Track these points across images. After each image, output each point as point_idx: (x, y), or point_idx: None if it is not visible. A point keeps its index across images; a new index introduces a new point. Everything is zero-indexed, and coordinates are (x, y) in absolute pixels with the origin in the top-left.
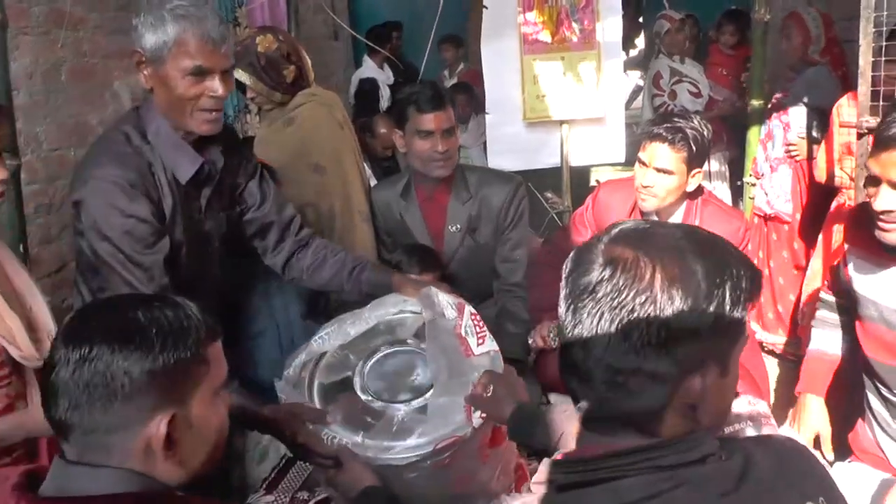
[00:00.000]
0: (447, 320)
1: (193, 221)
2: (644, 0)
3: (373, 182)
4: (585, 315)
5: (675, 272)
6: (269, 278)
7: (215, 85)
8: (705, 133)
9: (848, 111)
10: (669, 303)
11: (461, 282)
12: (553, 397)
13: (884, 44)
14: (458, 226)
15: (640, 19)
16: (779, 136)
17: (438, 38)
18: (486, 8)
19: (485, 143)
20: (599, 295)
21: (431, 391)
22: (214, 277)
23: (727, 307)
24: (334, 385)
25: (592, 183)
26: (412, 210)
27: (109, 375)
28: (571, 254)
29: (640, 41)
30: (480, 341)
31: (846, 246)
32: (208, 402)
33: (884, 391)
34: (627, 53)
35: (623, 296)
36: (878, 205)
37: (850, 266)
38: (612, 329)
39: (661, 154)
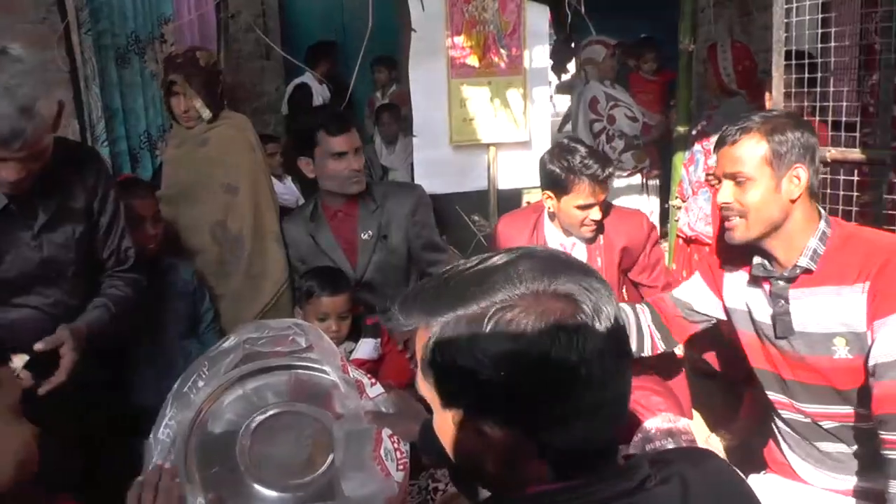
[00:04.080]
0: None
1: (23, 251)
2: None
3: None
4: None
5: None
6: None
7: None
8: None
9: None
10: None
11: (377, 288)
12: None
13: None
14: (370, 232)
15: (573, 45)
16: (700, 161)
17: (372, 59)
18: (415, 31)
19: (412, 165)
20: None
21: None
22: (68, 304)
23: None
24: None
25: (524, 205)
26: (322, 229)
27: None
28: None
29: (572, 66)
30: (373, 383)
31: (720, 262)
32: (6, 420)
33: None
34: (559, 78)
35: None
36: (718, 198)
37: (724, 282)
38: None
39: (602, 189)
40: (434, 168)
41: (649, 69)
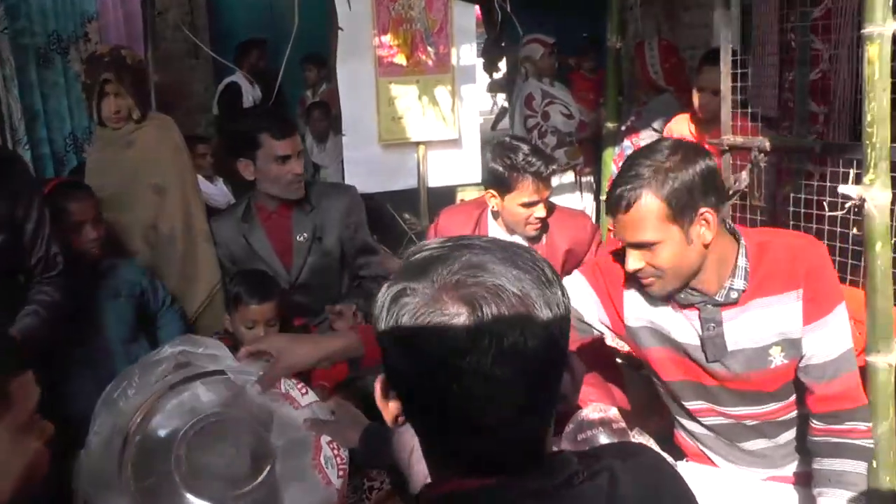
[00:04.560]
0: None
1: None
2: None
3: None
4: None
5: None
6: (86, 301)
7: None
8: None
9: (678, 130)
10: None
11: (311, 291)
12: None
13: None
14: (305, 234)
15: (503, 44)
16: None
17: (301, 57)
18: (342, 30)
19: (342, 162)
20: None
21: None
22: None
23: None
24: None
25: (458, 202)
26: (255, 231)
27: None
28: None
29: (503, 64)
30: (304, 392)
31: (622, 281)
32: (13, 438)
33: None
34: (491, 76)
35: None
36: (628, 267)
37: (625, 302)
38: None
39: (545, 186)
40: (364, 167)
41: (589, 67)
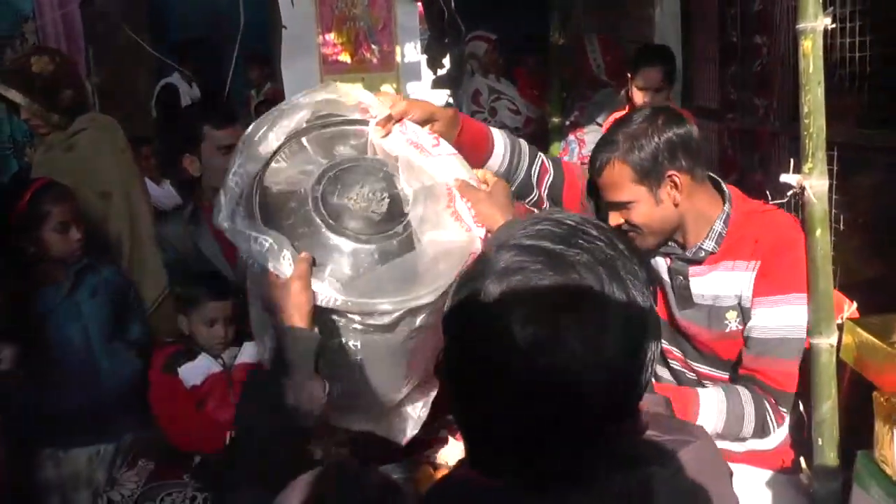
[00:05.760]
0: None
1: None
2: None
3: None
4: None
5: None
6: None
7: None
8: None
9: None
10: None
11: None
12: None
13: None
14: None
15: (446, 40)
16: (575, 151)
17: (244, 56)
18: (286, 28)
19: None
20: None
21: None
22: None
23: None
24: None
25: None
26: (203, 232)
27: None
28: None
29: (447, 61)
30: (436, 142)
31: None
32: None
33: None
34: (435, 73)
35: None
36: (610, 223)
37: None
38: None
39: None
40: None
41: (532, 63)
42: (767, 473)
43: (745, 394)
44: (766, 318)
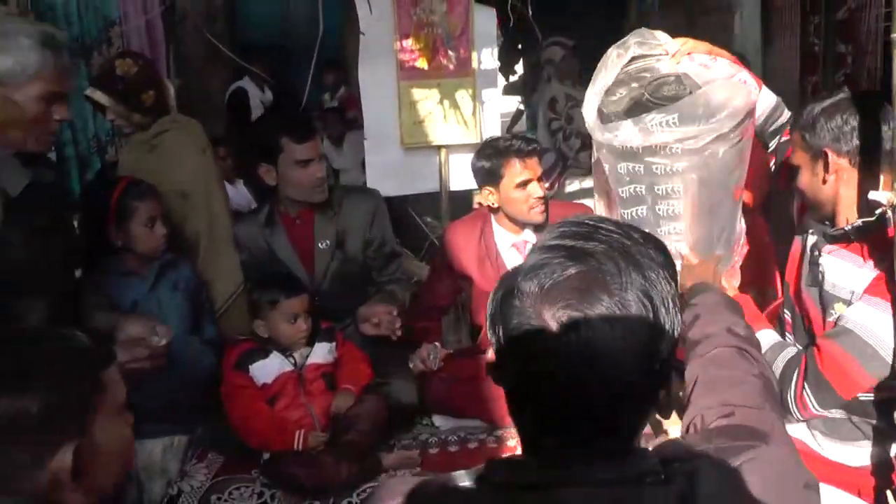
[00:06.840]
0: None
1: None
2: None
3: None
4: None
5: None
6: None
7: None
8: None
9: None
10: None
11: (334, 298)
12: (438, 420)
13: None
14: (327, 241)
15: (520, 46)
16: None
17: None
18: (363, 34)
19: (363, 162)
20: None
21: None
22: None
23: None
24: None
25: (475, 206)
26: (278, 236)
27: (6, 418)
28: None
29: (519, 67)
30: (713, 60)
31: None
32: (110, 427)
33: None
34: (507, 79)
35: None
36: None
37: None
38: None
39: (533, 162)
40: (386, 170)
41: None
42: (848, 498)
43: (790, 351)
44: (863, 314)
